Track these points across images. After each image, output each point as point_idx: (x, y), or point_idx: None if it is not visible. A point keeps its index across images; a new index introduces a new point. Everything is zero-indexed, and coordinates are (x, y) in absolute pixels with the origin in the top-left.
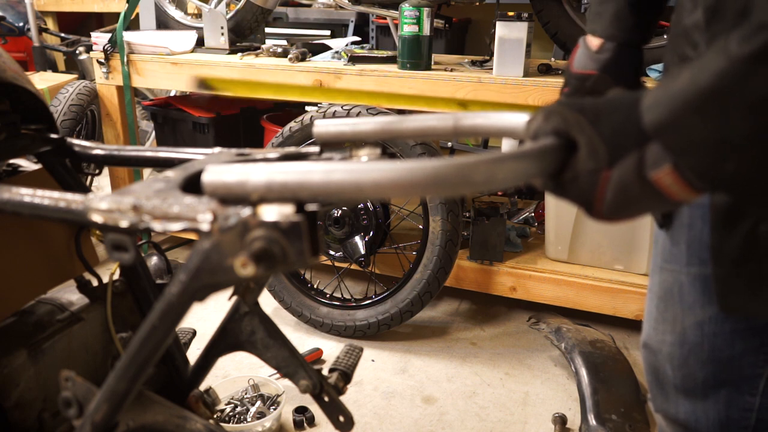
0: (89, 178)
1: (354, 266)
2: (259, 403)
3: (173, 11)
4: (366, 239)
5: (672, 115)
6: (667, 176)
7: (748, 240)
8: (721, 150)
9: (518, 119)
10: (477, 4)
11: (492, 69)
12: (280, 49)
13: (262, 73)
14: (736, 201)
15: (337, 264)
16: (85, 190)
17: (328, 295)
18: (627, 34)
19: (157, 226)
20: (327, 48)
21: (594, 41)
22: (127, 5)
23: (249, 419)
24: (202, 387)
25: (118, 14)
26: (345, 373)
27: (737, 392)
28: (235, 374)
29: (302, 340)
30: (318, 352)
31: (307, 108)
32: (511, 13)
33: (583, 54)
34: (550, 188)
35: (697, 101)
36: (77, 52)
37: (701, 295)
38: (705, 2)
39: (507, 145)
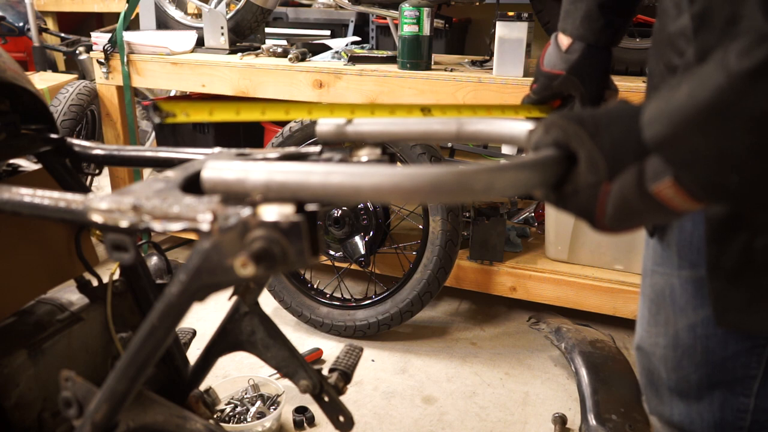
0: (89, 178)
1: (354, 266)
2: (259, 403)
3: (173, 11)
4: (366, 239)
5: (672, 131)
6: (669, 188)
7: (744, 254)
8: (723, 164)
9: (521, 128)
10: (477, 4)
11: (492, 69)
12: (280, 49)
13: (261, 74)
14: (741, 211)
15: (337, 264)
16: (85, 190)
17: (328, 295)
18: (596, 35)
19: (157, 226)
20: (327, 48)
21: (564, 40)
22: (127, 5)
23: (249, 419)
24: (202, 387)
25: (118, 14)
26: (345, 373)
27: (731, 394)
28: (235, 374)
29: (302, 340)
30: (318, 352)
31: None
32: (511, 13)
33: (552, 52)
34: (552, 200)
35: (696, 117)
36: (77, 52)
37: (693, 297)
38: (692, 9)
39: (507, 146)
